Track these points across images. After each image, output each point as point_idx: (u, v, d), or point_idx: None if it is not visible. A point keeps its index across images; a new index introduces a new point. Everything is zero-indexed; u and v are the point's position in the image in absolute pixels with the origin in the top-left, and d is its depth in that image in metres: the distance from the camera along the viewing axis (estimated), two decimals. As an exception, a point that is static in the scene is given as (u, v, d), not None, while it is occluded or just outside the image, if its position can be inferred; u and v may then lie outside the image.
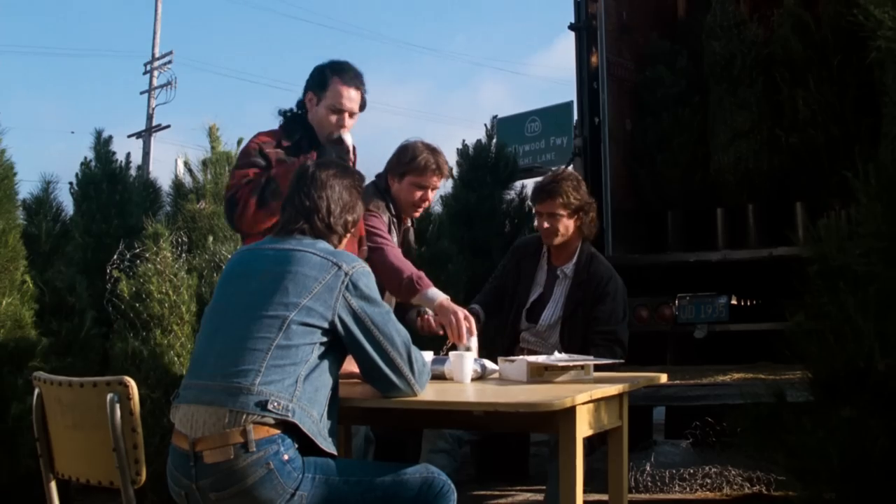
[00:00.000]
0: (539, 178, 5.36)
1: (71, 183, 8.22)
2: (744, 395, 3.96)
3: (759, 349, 7.14)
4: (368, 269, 3.26)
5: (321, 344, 3.11)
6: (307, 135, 4.29)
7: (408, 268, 4.40)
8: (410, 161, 4.67)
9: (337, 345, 3.17)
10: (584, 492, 3.38)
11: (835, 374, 3.40)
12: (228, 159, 7.74)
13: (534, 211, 4.95)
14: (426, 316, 4.72)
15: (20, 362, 5.33)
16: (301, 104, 4.37)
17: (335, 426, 3.20)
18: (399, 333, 3.22)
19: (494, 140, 8.68)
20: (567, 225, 4.86)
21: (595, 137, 7.75)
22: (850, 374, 3.33)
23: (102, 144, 8.24)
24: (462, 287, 7.59)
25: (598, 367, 4.47)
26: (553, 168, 18.66)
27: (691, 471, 6.95)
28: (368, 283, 3.21)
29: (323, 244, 3.27)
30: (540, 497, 6.00)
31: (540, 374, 3.69)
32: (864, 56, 7.34)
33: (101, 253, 7.85)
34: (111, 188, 8.08)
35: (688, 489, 6.97)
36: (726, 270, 7.41)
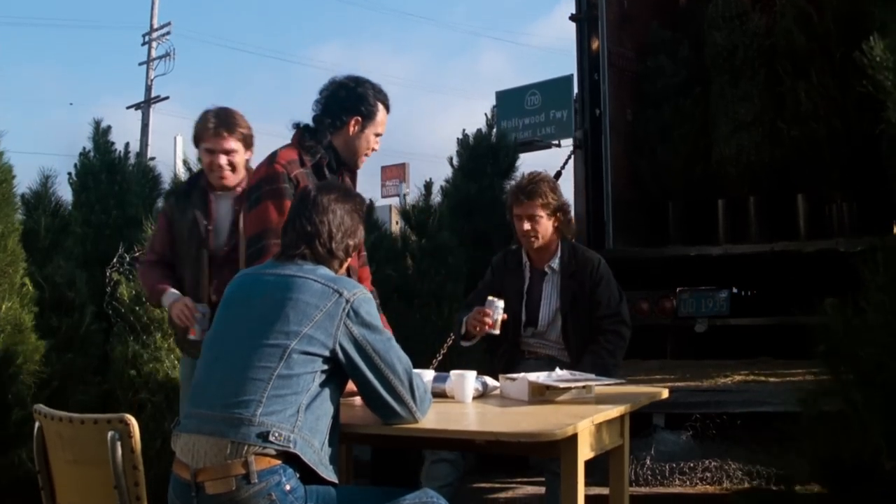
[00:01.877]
0: (518, 180, 5.29)
1: (70, 173, 8.17)
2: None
3: (760, 343, 7.16)
4: (370, 295, 3.23)
5: (322, 372, 3.09)
6: (328, 155, 4.19)
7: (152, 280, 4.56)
8: (197, 126, 4.51)
9: (338, 372, 3.15)
10: (586, 484, 3.37)
11: (840, 464, 3.33)
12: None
13: (513, 214, 4.86)
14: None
15: (21, 368, 5.31)
16: (322, 120, 4.24)
17: (336, 452, 3.18)
18: (401, 361, 3.20)
19: (495, 129, 8.64)
20: (546, 226, 4.79)
21: (596, 129, 7.75)
22: (856, 467, 3.25)
23: (101, 134, 8.15)
24: (463, 280, 7.57)
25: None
26: (553, 142, 18.58)
27: (691, 464, 6.95)
28: (370, 309, 3.18)
29: (324, 270, 3.24)
30: (540, 490, 6.01)
31: (541, 394, 3.67)
32: (867, 48, 7.37)
33: (100, 244, 7.81)
34: (110, 179, 7.99)
35: (688, 483, 6.98)
36: (727, 264, 7.41)
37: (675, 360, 7.25)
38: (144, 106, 36.71)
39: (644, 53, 8.27)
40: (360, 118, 4.19)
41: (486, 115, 8.67)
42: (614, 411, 3.53)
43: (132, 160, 8.75)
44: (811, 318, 6.82)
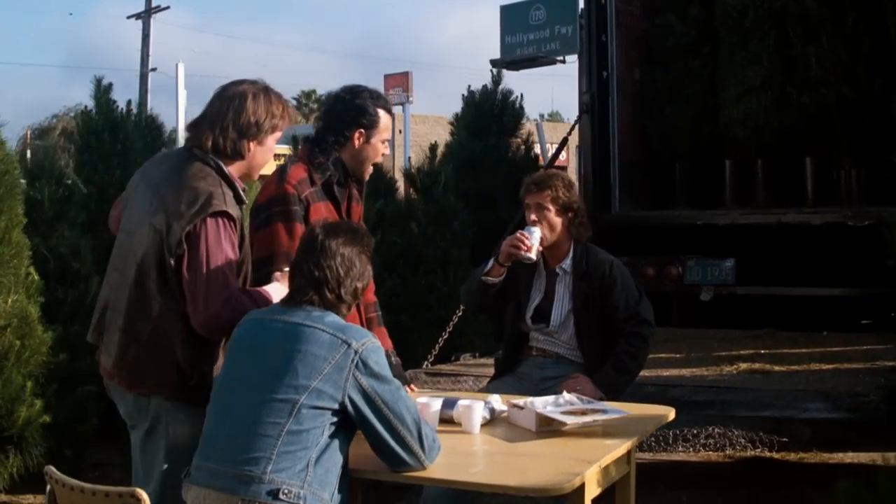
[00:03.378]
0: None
1: (72, 133, 8.15)
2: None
3: (765, 314, 7.16)
4: (378, 343, 3.22)
5: (332, 424, 3.10)
6: (337, 171, 4.14)
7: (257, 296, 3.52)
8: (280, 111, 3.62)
9: (347, 422, 3.15)
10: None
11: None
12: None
13: (524, 204, 4.84)
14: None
15: (28, 361, 5.32)
16: (326, 138, 4.17)
17: (346, 498, 3.21)
18: (409, 410, 3.20)
19: (500, 86, 8.56)
20: (553, 222, 4.76)
21: (603, 91, 7.65)
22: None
23: (103, 93, 8.10)
24: (468, 244, 7.58)
25: (606, 390, 4.51)
26: (558, 58, 18.53)
27: (695, 431, 7.00)
28: (378, 359, 3.18)
29: (332, 318, 3.22)
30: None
31: (549, 424, 3.69)
32: (878, 12, 7.28)
33: (104, 204, 7.79)
34: (113, 138, 7.95)
35: (691, 449, 7.05)
36: (734, 233, 7.38)
37: (679, 328, 7.24)
38: (145, 16, 36.47)
39: (652, 10, 8.15)
40: (362, 130, 4.12)
41: (492, 72, 8.61)
42: (622, 448, 3.55)
43: (134, 108, 8.71)
44: (817, 290, 6.94)
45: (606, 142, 7.61)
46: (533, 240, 4.54)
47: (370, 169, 4.27)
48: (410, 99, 29.78)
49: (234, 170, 3.53)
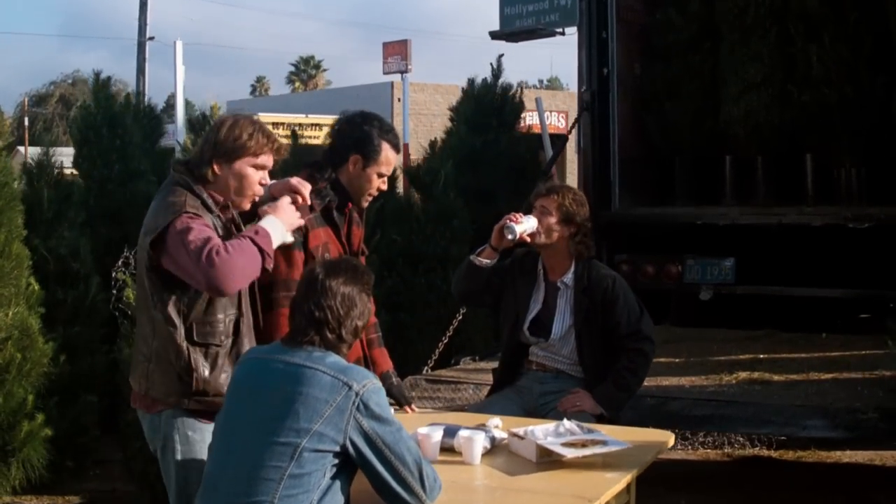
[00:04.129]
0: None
1: (70, 126, 8.16)
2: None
3: (764, 314, 7.17)
4: (379, 384, 3.22)
5: (333, 466, 3.11)
6: (336, 196, 4.12)
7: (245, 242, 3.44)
8: (242, 138, 3.56)
9: (348, 464, 3.16)
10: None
11: None
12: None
13: (532, 207, 4.85)
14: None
15: (29, 374, 5.33)
16: (330, 158, 4.15)
17: (346, 539, 3.22)
18: (410, 451, 3.21)
19: (500, 80, 8.53)
20: (553, 229, 4.78)
21: (604, 88, 7.60)
22: None
23: (101, 87, 8.10)
24: (468, 242, 7.57)
25: (606, 405, 4.55)
26: (557, 30, 18.55)
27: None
28: (379, 400, 3.18)
29: (333, 359, 3.22)
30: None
31: (549, 455, 3.71)
32: (880, 11, 7.25)
33: (103, 199, 7.85)
34: (111, 133, 7.96)
35: (689, 448, 7.08)
36: (734, 232, 7.38)
37: (678, 326, 7.25)
38: (142, -17, 36.11)
39: (653, 5, 8.09)
40: (360, 157, 4.10)
41: (491, 64, 8.57)
42: (622, 482, 3.56)
43: (133, 82, 8.71)
44: (816, 291, 6.94)
45: (606, 138, 7.58)
46: (524, 219, 4.59)
47: (368, 198, 4.24)
48: (409, 67, 29.63)
49: (213, 190, 3.54)
